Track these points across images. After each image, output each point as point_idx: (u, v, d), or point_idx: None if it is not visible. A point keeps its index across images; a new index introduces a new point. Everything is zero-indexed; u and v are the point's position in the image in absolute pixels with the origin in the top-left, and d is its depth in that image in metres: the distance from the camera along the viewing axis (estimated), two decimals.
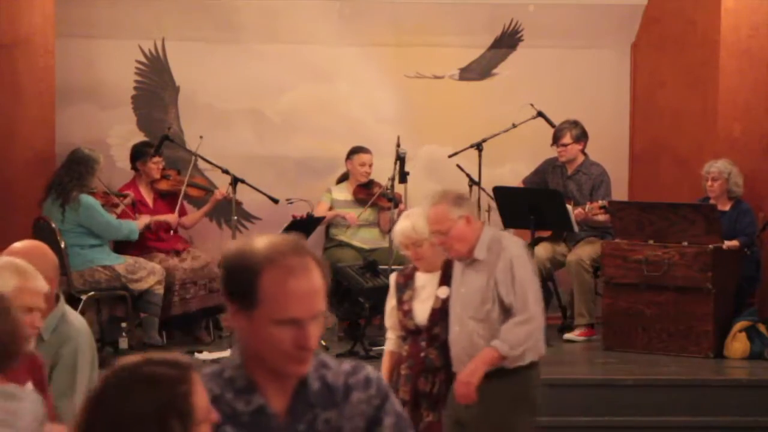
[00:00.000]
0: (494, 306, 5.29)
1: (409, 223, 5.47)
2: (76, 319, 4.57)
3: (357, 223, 9.18)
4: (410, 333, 5.52)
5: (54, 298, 4.50)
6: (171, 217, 8.80)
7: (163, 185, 8.95)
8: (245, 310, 2.59)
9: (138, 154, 8.91)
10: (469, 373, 5.22)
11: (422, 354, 5.47)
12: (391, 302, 5.64)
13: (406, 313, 5.52)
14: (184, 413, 2.36)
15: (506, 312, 5.28)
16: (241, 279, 2.59)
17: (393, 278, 5.70)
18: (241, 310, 2.60)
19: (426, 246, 5.46)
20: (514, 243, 5.43)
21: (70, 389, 4.39)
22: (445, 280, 5.50)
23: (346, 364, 2.76)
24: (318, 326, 2.60)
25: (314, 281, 2.60)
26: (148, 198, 8.94)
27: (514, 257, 5.30)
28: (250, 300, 2.58)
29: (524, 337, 5.26)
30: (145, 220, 8.57)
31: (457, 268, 5.43)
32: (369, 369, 2.77)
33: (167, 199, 8.96)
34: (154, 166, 8.87)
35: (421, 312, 5.49)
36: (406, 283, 5.61)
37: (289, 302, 2.57)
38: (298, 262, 2.59)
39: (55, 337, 4.43)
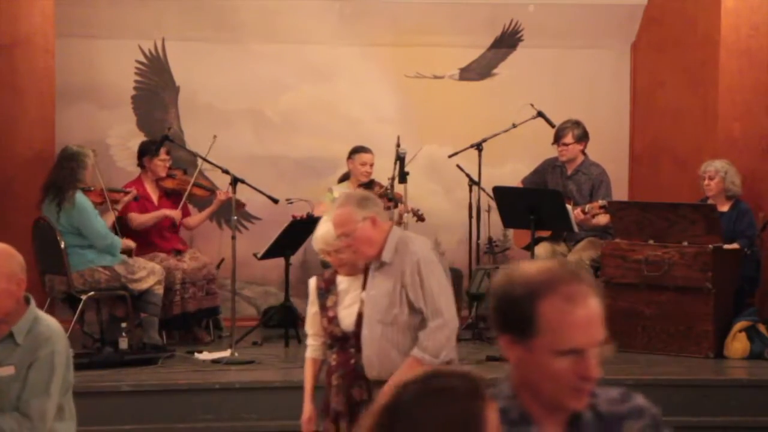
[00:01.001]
0: (402, 309, 5.15)
1: (329, 229, 5.30)
2: (51, 321, 4.50)
3: None
4: (337, 340, 5.33)
5: (24, 301, 4.44)
6: (175, 213, 8.84)
7: (169, 183, 8.98)
8: (522, 340, 2.49)
9: (145, 152, 8.93)
10: None
11: (352, 361, 5.28)
12: (312, 308, 5.44)
13: (332, 320, 5.33)
14: (479, 427, 2.27)
15: (417, 315, 5.15)
16: (517, 308, 2.49)
17: (313, 283, 5.48)
18: (516, 341, 2.50)
19: (348, 252, 5.30)
20: (420, 245, 5.27)
21: (45, 390, 4.37)
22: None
23: (614, 391, 2.65)
24: (598, 356, 2.48)
25: (595, 308, 2.49)
26: (154, 195, 8.96)
27: (420, 260, 5.15)
28: (527, 330, 2.47)
29: (445, 341, 5.13)
30: (130, 244, 8.54)
31: (370, 270, 5.30)
32: (639, 397, 2.67)
33: (172, 198, 8.99)
34: (161, 163, 8.90)
35: (347, 317, 5.31)
36: (328, 288, 5.41)
37: (571, 331, 2.46)
38: (577, 289, 2.49)
39: (30, 340, 4.38)
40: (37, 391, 4.34)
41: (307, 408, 5.39)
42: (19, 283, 4.36)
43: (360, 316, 5.26)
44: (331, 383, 5.32)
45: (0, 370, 4.34)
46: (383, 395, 2.29)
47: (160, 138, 8.96)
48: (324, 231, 5.32)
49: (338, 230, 5.19)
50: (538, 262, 2.56)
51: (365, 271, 5.33)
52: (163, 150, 8.90)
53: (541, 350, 2.47)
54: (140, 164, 9.00)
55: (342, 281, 5.40)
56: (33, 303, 4.48)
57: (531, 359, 2.49)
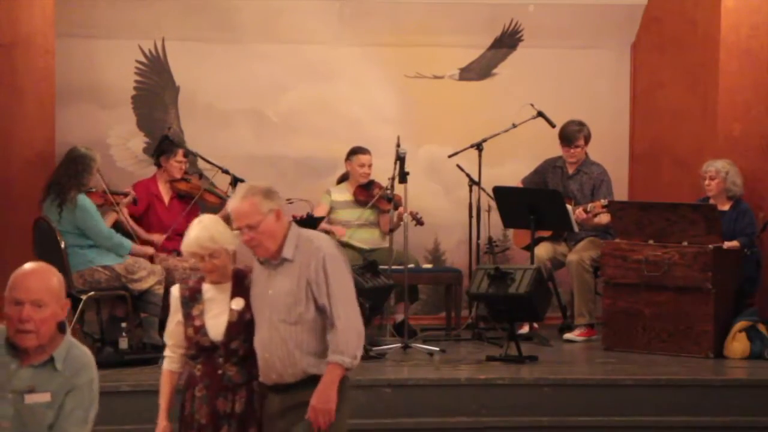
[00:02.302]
0: (308, 307, 4.92)
1: (206, 232, 5.09)
2: (83, 347, 4.28)
3: (343, 236, 9.15)
4: (204, 350, 5.10)
5: (60, 327, 4.21)
6: (156, 238, 8.75)
7: (182, 186, 8.96)
8: None
9: (163, 150, 8.91)
10: (325, 398, 4.86)
11: (219, 371, 5.07)
12: (175, 317, 5.18)
13: (198, 329, 5.09)
14: None
15: (322, 314, 4.92)
16: None
17: (176, 292, 5.22)
18: None
19: (223, 256, 5.09)
20: (326, 241, 5.08)
21: (84, 420, 4.18)
22: (238, 290, 5.13)
23: None
24: None
25: None
26: (166, 196, 8.93)
27: (327, 256, 4.95)
28: None
29: (357, 340, 4.93)
30: (148, 251, 8.50)
31: (260, 270, 5.06)
32: None
33: (183, 201, 8.96)
34: (177, 165, 8.88)
35: (216, 327, 5.07)
36: (194, 297, 5.16)
37: None
38: None
39: (68, 366, 4.16)
40: (75, 420, 4.15)
41: (162, 424, 5.15)
42: (63, 306, 4.19)
43: (231, 326, 5.06)
44: (194, 395, 5.10)
45: (35, 396, 4.13)
46: None
47: (160, 138, 8.97)
48: (198, 236, 5.11)
49: (242, 221, 4.95)
50: None
51: (234, 279, 5.15)
52: (180, 152, 8.89)
53: None
54: (156, 162, 8.98)
55: (208, 290, 5.17)
56: (68, 328, 4.26)
57: None
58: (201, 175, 9.18)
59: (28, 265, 4.21)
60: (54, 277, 4.19)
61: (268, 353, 4.98)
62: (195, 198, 8.91)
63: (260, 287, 5.05)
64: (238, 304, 5.10)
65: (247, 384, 5.08)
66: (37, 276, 4.15)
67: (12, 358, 4.15)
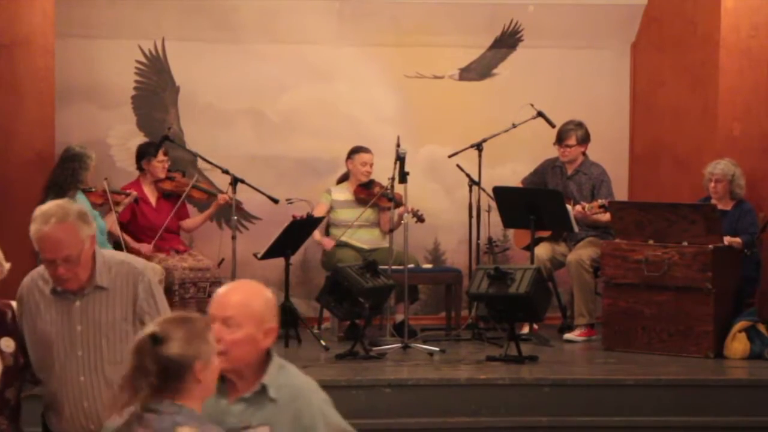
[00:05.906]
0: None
1: None
2: (294, 369, 3.87)
3: (331, 247, 9.13)
4: None
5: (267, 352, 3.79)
6: (145, 248, 8.70)
7: (167, 185, 8.98)
8: None
9: (143, 154, 8.94)
10: None
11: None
12: None
13: None
14: None
15: None
16: None
17: None
18: None
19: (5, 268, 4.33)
20: (143, 263, 4.48)
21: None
22: (1, 328, 4.25)
23: None
24: None
25: None
26: (152, 198, 8.96)
27: (151, 281, 4.33)
28: None
29: None
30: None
31: (49, 302, 4.26)
32: None
33: (171, 200, 8.99)
34: (159, 165, 8.91)
35: None
36: None
37: None
38: None
39: (283, 393, 3.75)
40: None
41: None
42: (267, 332, 3.75)
43: (6, 372, 4.17)
44: None
45: None
46: None
47: (160, 138, 8.98)
48: None
49: (59, 253, 4.09)
50: None
51: None
52: (161, 151, 8.92)
53: None
54: (139, 167, 9.01)
55: None
56: (273, 352, 3.83)
57: None
58: (184, 173, 9.18)
59: (234, 282, 3.88)
60: (258, 298, 3.75)
61: (87, 401, 4.22)
62: (183, 196, 8.93)
63: (58, 324, 4.25)
64: (8, 345, 4.24)
65: None
66: (236, 293, 3.78)
67: (219, 392, 3.73)
